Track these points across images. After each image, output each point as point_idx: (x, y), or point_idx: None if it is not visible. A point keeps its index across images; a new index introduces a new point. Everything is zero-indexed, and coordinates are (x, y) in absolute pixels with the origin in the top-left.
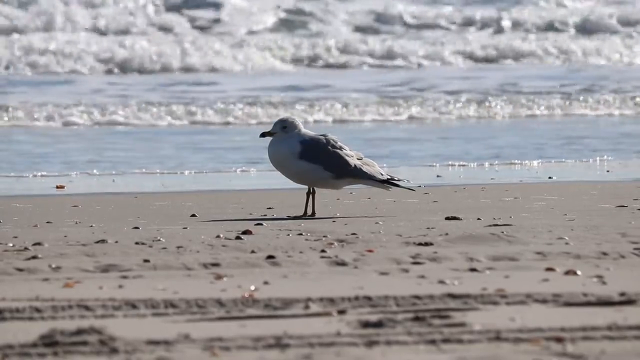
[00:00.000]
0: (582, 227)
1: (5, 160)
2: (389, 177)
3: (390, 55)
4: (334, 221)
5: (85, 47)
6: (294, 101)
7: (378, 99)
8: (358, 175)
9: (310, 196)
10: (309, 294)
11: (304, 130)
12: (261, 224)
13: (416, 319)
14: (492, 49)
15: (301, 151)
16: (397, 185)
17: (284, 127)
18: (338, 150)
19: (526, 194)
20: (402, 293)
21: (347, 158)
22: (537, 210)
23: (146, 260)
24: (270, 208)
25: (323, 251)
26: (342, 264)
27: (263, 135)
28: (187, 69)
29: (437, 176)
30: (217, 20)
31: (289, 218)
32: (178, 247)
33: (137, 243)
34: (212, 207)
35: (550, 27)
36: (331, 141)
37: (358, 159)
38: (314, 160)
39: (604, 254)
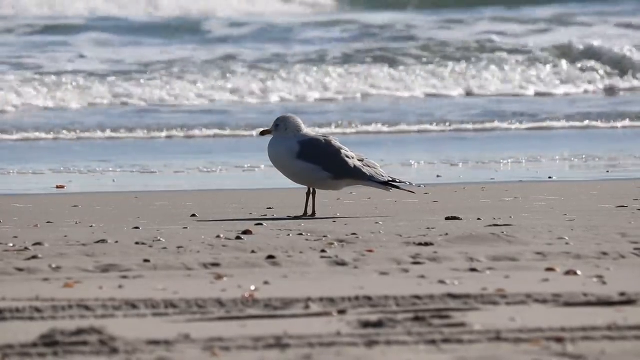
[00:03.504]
0: (582, 227)
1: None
2: (390, 178)
3: None
4: (334, 221)
5: None
6: None
7: None
8: (357, 176)
9: (311, 196)
10: (309, 294)
11: (305, 130)
12: (261, 224)
13: (416, 319)
14: None
15: (299, 151)
16: (398, 187)
17: (277, 126)
18: (337, 151)
19: (526, 194)
20: (402, 293)
21: (346, 159)
22: (537, 210)
23: (146, 260)
24: (270, 208)
25: (323, 251)
26: (342, 264)
27: (262, 133)
28: None
29: (437, 176)
30: None
31: (289, 218)
32: (178, 247)
33: (137, 243)
34: (212, 207)
35: None
36: (331, 142)
37: (359, 160)
38: (313, 160)
39: (604, 254)
